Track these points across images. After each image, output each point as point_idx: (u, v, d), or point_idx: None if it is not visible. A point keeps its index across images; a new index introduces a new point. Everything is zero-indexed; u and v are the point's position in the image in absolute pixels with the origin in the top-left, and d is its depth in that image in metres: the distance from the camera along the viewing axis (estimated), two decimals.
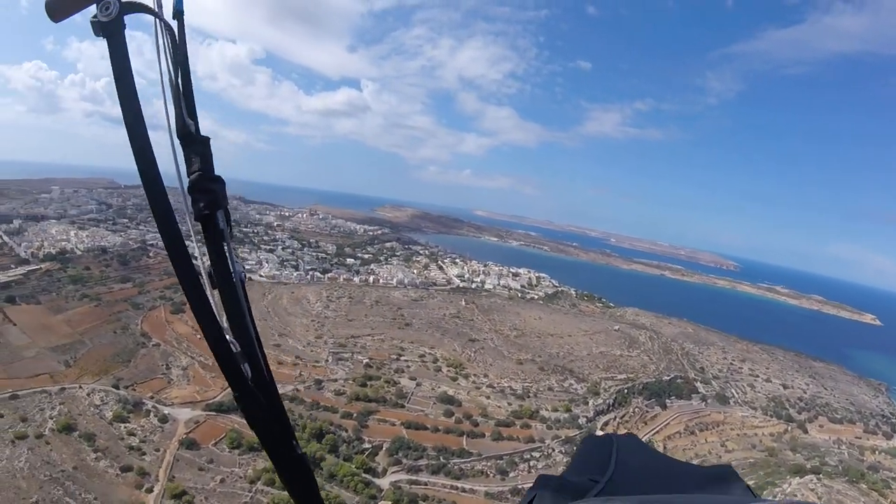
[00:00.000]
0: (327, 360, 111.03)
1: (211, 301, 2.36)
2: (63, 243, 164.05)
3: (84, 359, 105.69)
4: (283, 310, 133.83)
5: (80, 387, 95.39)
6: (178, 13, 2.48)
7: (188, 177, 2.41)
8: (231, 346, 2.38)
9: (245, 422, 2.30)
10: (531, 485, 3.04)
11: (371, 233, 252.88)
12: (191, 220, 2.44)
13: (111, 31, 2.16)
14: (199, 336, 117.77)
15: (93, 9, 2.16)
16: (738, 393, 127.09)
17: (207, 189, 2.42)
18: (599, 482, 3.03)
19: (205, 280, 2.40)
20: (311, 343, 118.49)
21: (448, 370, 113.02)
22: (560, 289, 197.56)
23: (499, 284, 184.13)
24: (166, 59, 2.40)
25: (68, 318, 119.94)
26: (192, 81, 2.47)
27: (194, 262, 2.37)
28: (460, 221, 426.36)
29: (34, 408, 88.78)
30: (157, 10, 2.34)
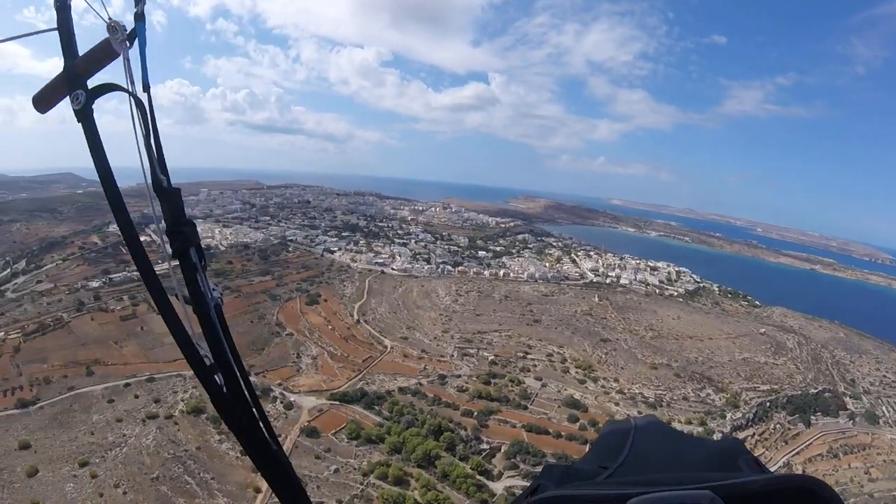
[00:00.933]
0: (452, 355, 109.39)
1: (187, 323, 2.64)
2: (208, 240, 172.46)
3: None
4: (412, 303, 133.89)
5: None
6: (147, 87, 2.80)
7: (165, 222, 2.75)
8: (205, 359, 2.62)
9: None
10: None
11: (503, 225, 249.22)
12: (168, 257, 2.83)
13: (83, 117, 2.64)
14: (330, 326, 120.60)
15: None
16: (889, 412, 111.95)
17: (180, 231, 2.79)
18: (609, 468, 2.99)
19: (182, 305, 2.72)
20: (438, 337, 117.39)
21: (576, 372, 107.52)
22: (702, 284, 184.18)
23: (635, 279, 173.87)
24: (141, 126, 2.77)
25: None
26: (166, 141, 2.85)
27: (172, 291, 2.75)
28: (595, 211, 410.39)
29: (168, 390, 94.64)
30: (128, 87, 2.74)
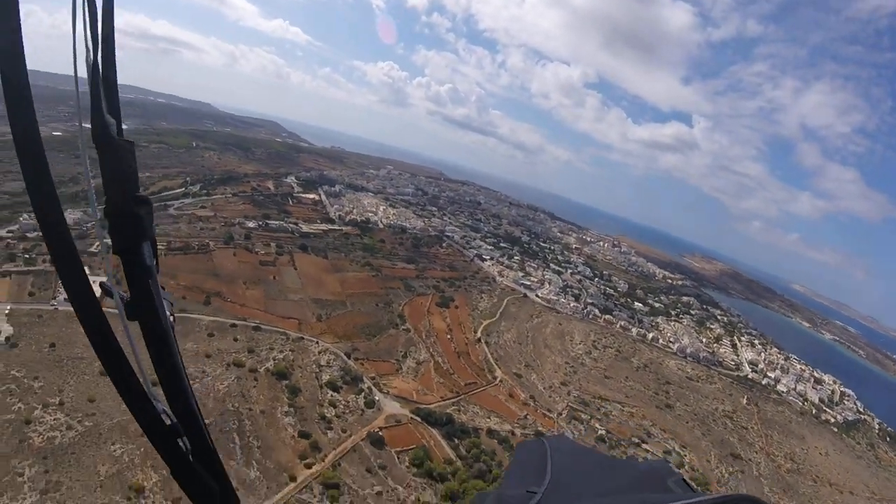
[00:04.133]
0: (561, 414, 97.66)
1: (135, 360, 2.01)
2: (370, 214, 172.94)
3: (336, 319, 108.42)
4: (542, 340, 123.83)
5: (318, 342, 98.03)
6: None
7: (106, 195, 1.89)
8: (164, 417, 2.06)
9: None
10: None
11: (670, 280, 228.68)
12: (107, 253, 2.03)
13: None
14: (449, 336, 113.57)
15: None
16: None
17: (132, 214, 1.94)
18: (537, 493, 3.03)
19: (125, 330, 2.03)
20: (554, 388, 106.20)
21: None
22: (862, 416, 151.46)
23: (794, 389, 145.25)
24: (84, 36, 1.70)
25: (343, 279, 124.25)
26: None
27: (109, 306, 2.01)
28: (772, 292, 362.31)
29: (265, 345, 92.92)
30: None
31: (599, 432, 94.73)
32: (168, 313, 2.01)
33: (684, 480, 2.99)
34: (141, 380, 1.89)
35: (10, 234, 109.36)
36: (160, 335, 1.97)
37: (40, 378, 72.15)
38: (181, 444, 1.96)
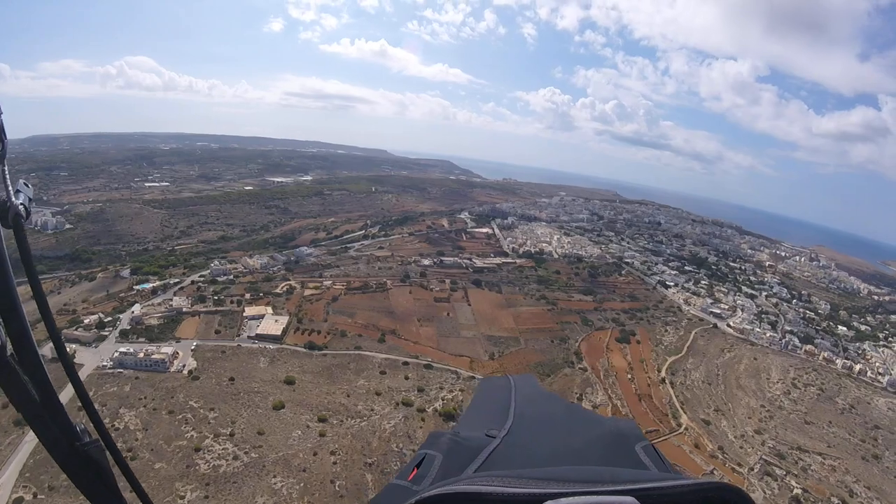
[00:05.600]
0: (752, 470, 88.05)
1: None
2: (544, 245, 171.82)
3: (509, 357, 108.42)
4: (734, 379, 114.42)
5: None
6: None
7: None
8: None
9: None
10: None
11: (876, 297, 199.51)
12: None
13: None
14: (629, 376, 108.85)
15: None
16: None
17: None
18: (496, 436, 3.06)
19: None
20: (746, 437, 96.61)
21: None
22: None
23: None
24: None
25: (517, 314, 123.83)
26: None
27: None
28: None
29: (435, 383, 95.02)
30: None
31: (795, 491, 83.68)
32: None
33: (654, 448, 2.96)
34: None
35: (202, 279, 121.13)
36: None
37: (216, 409, 78.42)
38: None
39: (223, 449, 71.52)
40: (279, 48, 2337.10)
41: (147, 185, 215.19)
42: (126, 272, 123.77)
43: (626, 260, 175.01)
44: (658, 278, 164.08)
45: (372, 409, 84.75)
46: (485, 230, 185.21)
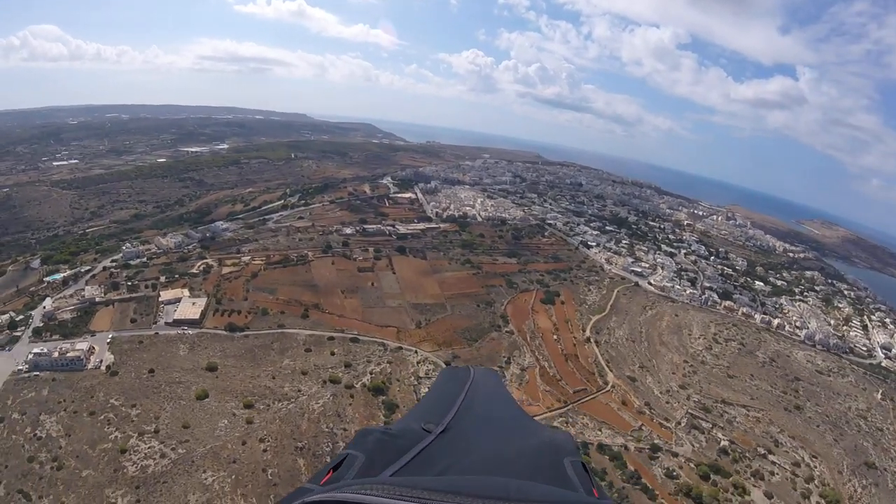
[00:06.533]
0: (679, 423, 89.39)
1: None
2: (468, 208, 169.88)
3: (436, 325, 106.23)
4: (657, 336, 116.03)
5: (416, 352, 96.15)
6: None
7: None
8: None
9: None
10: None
11: (791, 254, 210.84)
12: None
13: None
14: (555, 337, 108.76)
15: None
16: None
17: None
18: (432, 431, 3.13)
19: None
20: (672, 392, 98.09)
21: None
22: None
23: None
24: None
25: (442, 280, 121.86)
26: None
27: None
28: None
29: (363, 357, 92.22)
30: None
31: (722, 443, 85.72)
32: None
33: (582, 464, 2.95)
34: None
35: (114, 264, 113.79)
36: None
37: (138, 405, 74.17)
38: None
39: (149, 447, 67.83)
40: (192, 9, 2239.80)
41: (55, 164, 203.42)
42: (36, 262, 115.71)
43: (549, 221, 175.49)
44: (580, 239, 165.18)
45: (299, 390, 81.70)
46: (408, 195, 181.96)
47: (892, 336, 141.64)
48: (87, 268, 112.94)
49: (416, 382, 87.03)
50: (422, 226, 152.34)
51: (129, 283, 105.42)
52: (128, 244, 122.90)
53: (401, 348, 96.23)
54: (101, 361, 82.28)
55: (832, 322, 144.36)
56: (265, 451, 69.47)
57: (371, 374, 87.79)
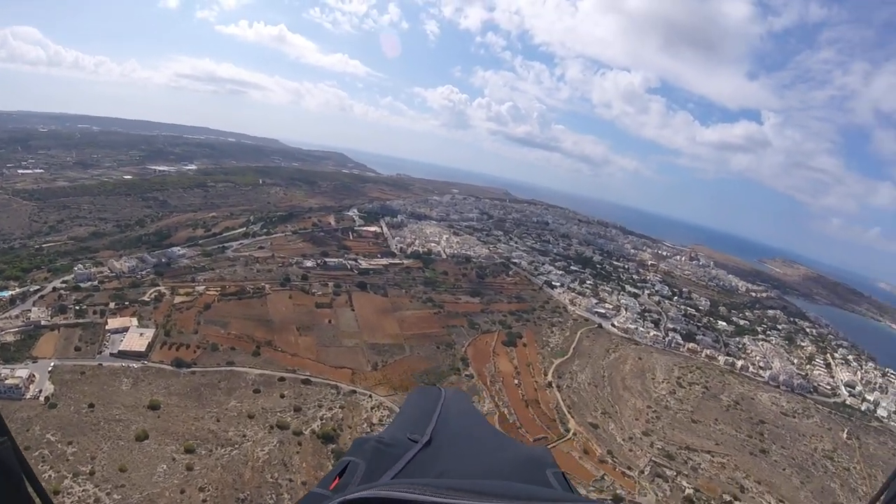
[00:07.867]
0: (643, 472, 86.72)
1: None
2: (433, 244, 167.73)
3: (393, 367, 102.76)
4: (620, 380, 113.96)
5: (371, 396, 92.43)
6: None
7: None
8: None
9: None
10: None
11: (754, 293, 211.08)
12: None
13: None
14: (516, 381, 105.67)
15: None
16: None
17: None
18: (418, 441, 3.20)
19: None
20: (635, 439, 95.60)
21: None
22: None
23: (895, 412, 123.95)
24: None
25: (402, 319, 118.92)
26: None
27: None
28: (859, 294, 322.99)
29: (314, 401, 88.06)
30: None
31: (686, 491, 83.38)
32: None
33: (563, 475, 3.06)
34: None
35: (65, 285, 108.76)
36: None
37: (74, 443, 69.62)
38: None
39: (83, 490, 63.21)
40: (173, 26, 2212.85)
41: (20, 171, 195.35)
42: None
43: (514, 260, 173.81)
44: (545, 278, 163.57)
45: (244, 435, 77.38)
46: (373, 229, 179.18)
47: (855, 373, 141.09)
48: (37, 287, 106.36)
49: (368, 429, 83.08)
50: (385, 261, 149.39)
51: (77, 308, 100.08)
52: (80, 265, 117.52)
53: (354, 392, 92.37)
54: (41, 391, 77.35)
55: (795, 361, 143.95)
56: (204, 501, 65.12)
57: (322, 419, 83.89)
